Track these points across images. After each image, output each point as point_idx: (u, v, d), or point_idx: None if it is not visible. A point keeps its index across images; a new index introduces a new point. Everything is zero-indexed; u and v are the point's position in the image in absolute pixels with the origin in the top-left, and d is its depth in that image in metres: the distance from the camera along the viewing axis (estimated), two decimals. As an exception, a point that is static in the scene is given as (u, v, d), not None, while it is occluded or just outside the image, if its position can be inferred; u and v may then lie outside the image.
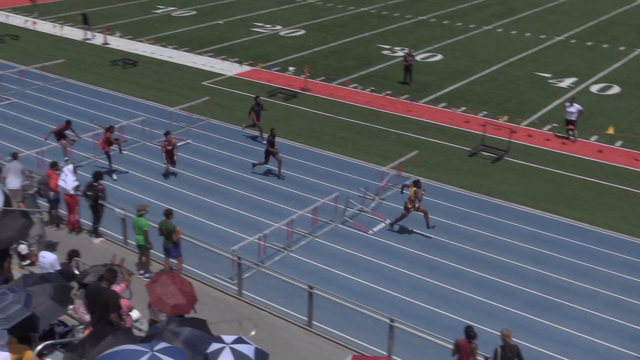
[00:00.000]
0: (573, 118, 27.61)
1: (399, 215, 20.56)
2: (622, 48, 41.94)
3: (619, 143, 27.87)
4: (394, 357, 15.00)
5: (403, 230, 20.84)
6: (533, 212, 22.24)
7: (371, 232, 20.69)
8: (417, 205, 20.28)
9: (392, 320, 14.85)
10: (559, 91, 33.84)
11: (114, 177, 23.54)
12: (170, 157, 23.36)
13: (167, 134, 23.39)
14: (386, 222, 21.18)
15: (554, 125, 29.44)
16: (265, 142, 24.64)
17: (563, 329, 16.71)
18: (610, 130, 28.22)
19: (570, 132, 27.93)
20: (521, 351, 13.23)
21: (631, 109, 31.77)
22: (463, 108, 31.09)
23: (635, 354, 15.87)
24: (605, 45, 42.52)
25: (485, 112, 30.00)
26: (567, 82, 35.28)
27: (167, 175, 23.72)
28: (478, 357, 13.45)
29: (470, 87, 34.29)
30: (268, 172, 24.44)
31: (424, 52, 40.18)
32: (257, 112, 26.41)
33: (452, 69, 37.10)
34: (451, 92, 33.49)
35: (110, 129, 23.46)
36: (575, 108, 27.46)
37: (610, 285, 18.44)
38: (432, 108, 31.25)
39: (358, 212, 21.58)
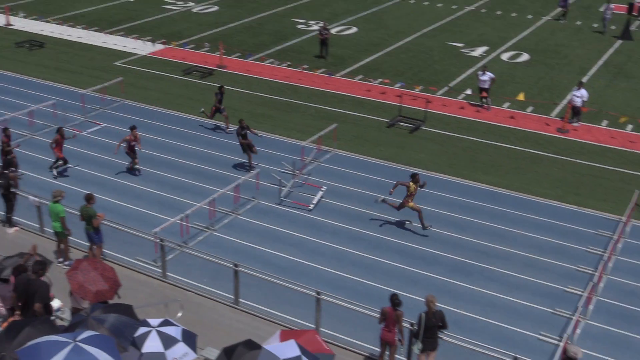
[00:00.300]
0: (486, 86, 28.27)
1: (398, 205, 19.80)
2: (529, 16, 43.13)
3: (529, 109, 28.73)
4: (321, 329, 15.15)
5: (326, 204, 20.96)
6: (451, 180, 22.74)
7: (311, 206, 20.70)
8: (411, 203, 19.51)
9: (318, 293, 14.97)
10: (472, 60, 34.57)
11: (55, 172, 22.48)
12: (133, 152, 22.36)
13: (132, 128, 22.23)
14: (322, 189, 21.21)
15: (468, 93, 30.10)
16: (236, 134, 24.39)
17: (484, 291, 17.22)
18: (521, 97, 29.05)
19: (484, 100, 28.61)
20: (445, 316, 13.57)
21: (540, 75, 32.77)
22: (379, 80, 31.39)
23: (551, 310, 16.54)
24: (513, 14, 43.62)
25: (401, 83, 30.36)
26: (478, 51, 36.06)
27: (131, 171, 22.64)
28: (404, 324, 13.73)
29: (385, 58, 34.61)
30: (188, 153, 24.10)
31: (339, 26, 40.26)
32: (220, 101, 25.39)
33: (367, 41, 37.33)
34: (367, 64, 33.72)
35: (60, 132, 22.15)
36: (487, 76, 28.11)
37: (527, 247, 19.10)
38: (349, 81, 31.41)
39: (290, 190, 21.49)
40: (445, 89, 30.47)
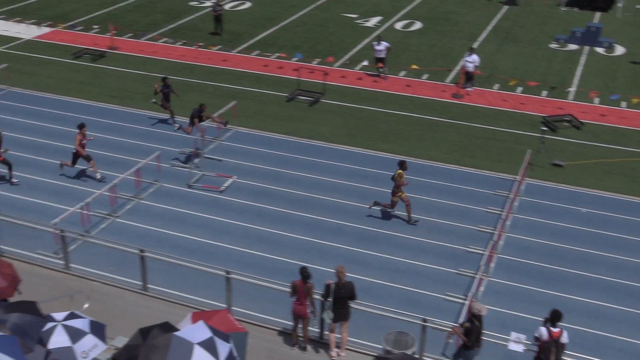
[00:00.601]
0: (382, 55, 28.64)
1: (388, 203, 19.08)
2: (420, -15, 43.83)
3: (425, 76, 29.35)
4: (233, 308, 15.12)
5: (231, 183, 20.80)
6: (353, 150, 23.02)
7: (223, 187, 20.45)
8: (402, 194, 18.77)
9: (228, 273, 14.91)
10: (367, 30, 34.92)
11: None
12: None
13: (81, 126, 20.64)
14: (234, 178, 20.98)
15: (364, 64, 30.42)
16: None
17: (391, 258, 17.61)
18: (414, 67, 29.63)
19: (381, 70, 29.00)
20: (355, 287, 13.76)
21: (433, 42, 33.48)
22: (276, 54, 31.26)
23: (455, 271, 17.11)
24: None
25: (298, 57, 30.34)
26: (373, 22, 36.45)
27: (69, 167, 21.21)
28: (315, 296, 13.88)
29: (281, 33, 34.48)
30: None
31: (232, 1, 39.74)
32: (167, 95, 24.32)
33: (261, 16, 37.04)
34: (263, 39, 33.50)
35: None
36: (383, 46, 28.47)
37: (429, 211, 19.62)
38: (246, 57, 31.14)
39: (199, 172, 21.12)
40: (343, 59, 30.70)
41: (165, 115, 24.81)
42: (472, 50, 27.87)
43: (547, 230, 18.89)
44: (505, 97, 27.54)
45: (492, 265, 17.21)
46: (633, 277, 17.09)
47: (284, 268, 16.83)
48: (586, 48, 33.29)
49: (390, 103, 26.81)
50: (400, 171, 18.58)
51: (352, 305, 13.89)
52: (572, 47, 33.51)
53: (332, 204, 19.88)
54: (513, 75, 29.08)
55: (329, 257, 17.45)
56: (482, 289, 16.34)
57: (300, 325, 14.26)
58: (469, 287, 16.37)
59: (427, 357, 13.88)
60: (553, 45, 33.71)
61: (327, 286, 13.63)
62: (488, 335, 13.12)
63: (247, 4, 39.22)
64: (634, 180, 21.69)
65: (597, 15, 38.86)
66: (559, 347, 12.39)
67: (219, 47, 32.24)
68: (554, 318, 12.45)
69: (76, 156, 20.61)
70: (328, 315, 13.77)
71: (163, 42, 32.73)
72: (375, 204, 19.24)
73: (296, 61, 30.02)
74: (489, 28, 35.97)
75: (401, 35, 34.34)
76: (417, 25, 36.13)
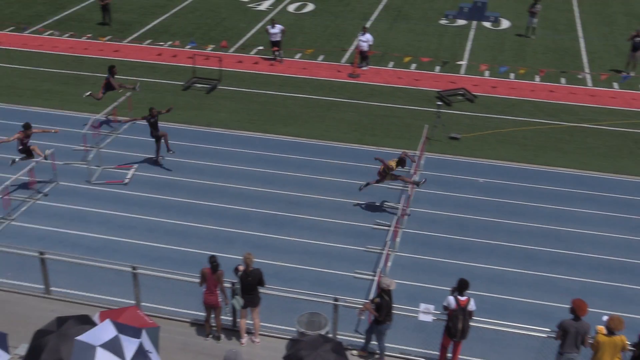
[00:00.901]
0: (277, 39, 28.54)
1: (373, 180, 18.97)
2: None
3: (321, 58, 29.49)
4: (143, 303, 14.80)
5: (132, 176, 20.29)
6: (254, 135, 22.90)
7: (126, 180, 19.88)
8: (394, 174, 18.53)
9: (134, 268, 14.56)
10: (259, 14, 34.70)
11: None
12: (28, 152, 19.44)
13: (26, 127, 19.25)
14: (134, 167, 20.40)
15: (260, 48, 30.25)
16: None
17: (299, 240, 17.69)
18: (309, 51, 29.71)
19: (276, 53, 28.91)
20: (263, 274, 13.70)
21: (326, 24, 33.65)
22: (169, 42, 30.64)
23: (363, 248, 17.37)
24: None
25: (192, 44, 29.82)
26: (265, 5, 36.25)
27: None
28: (225, 284, 13.77)
29: (173, 20, 33.79)
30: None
31: (119, -11, 38.57)
32: (109, 84, 23.25)
33: (151, 3, 36.16)
34: (154, 27, 32.74)
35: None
36: (277, 29, 28.37)
37: (334, 191, 19.80)
38: (138, 46, 30.36)
39: (98, 168, 20.44)
40: (238, 45, 30.41)
41: (54, 112, 23.87)
42: (365, 30, 28.18)
43: (449, 201, 19.44)
44: (400, 75, 28.04)
45: (398, 240, 17.56)
46: (530, 241, 17.85)
47: (193, 259, 16.60)
48: (474, 23, 34.31)
49: (288, 86, 26.80)
50: (392, 163, 18.38)
51: (264, 290, 13.86)
52: (461, 22, 34.45)
53: (237, 190, 19.75)
54: (406, 53, 29.63)
55: (238, 244, 17.34)
56: (389, 264, 16.66)
57: (212, 315, 14.14)
58: (377, 263, 16.66)
59: (341, 335, 14.05)
60: (443, 21, 34.55)
61: (237, 271, 13.55)
62: (398, 309, 13.39)
63: (135, -8, 38.18)
64: (525, 148, 22.59)
65: (482, -10, 40.03)
66: (467, 315, 12.80)
67: (109, 37, 31.28)
68: (461, 287, 12.84)
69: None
70: (238, 302, 13.71)
71: (49, 35, 31.44)
72: (367, 184, 18.98)
73: (190, 48, 29.51)
74: (380, 7, 36.48)
75: (294, 18, 34.33)
76: (310, 7, 36.21)
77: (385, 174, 18.59)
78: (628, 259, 17.30)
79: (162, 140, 20.73)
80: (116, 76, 23.47)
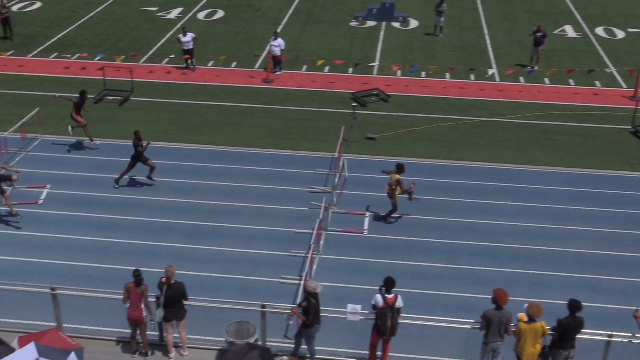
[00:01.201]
0: (190, 47, 28.20)
1: (392, 209, 18.48)
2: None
3: (234, 64, 29.32)
4: (64, 325, 14.32)
5: (46, 195, 19.63)
6: (170, 146, 22.55)
7: (40, 200, 19.14)
8: (401, 189, 18.13)
9: (53, 289, 14.07)
10: (169, 23, 34.22)
11: None
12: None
13: None
14: (47, 187, 19.66)
15: (171, 57, 29.83)
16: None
17: (222, 249, 17.51)
18: (222, 57, 29.52)
19: (189, 62, 28.57)
20: (185, 287, 13.44)
21: (238, 30, 33.49)
22: (77, 55, 29.83)
23: (288, 253, 17.34)
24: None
25: (100, 55, 29.10)
26: (174, 13, 35.78)
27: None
28: (150, 299, 13.49)
29: (79, 32, 32.90)
30: None
31: (19, 2, 37.29)
32: (78, 107, 21.93)
33: (55, 15, 35.10)
34: (60, 40, 31.79)
35: None
36: (189, 37, 28.03)
37: (255, 198, 19.70)
38: (44, 60, 29.43)
39: (7, 187, 19.59)
40: (148, 54, 29.91)
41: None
42: (276, 35, 28.20)
43: (369, 201, 19.64)
44: (314, 78, 28.19)
45: (322, 242, 17.63)
46: (450, 236, 18.24)
47: (115, 275, 16.19)
48: (383, 23, 34.83)
49: (202, 94, 26.53)
50: (397, 176, 18.04)
51: (189, 302, 13.64)
52: (371, 23, 34.92)
53: (156, 202, 19.39)
54: (319, 56, 29.80)
55: (160, 257, 17.02)
56: (315, 267, 16.71)
57: (138, 331, 13.81)
58: (302, 267, 16.67)
59: (270, 341, 13.98)
60: (353, 23, 34.94)
61: (161, 284, 13.29)
62: (326, 311, 13.44)
63: (37, 4, 36.98)
64: (440, 144, 23.09)
65: (390, -9, 40.69)
66: (395, 312, 12.96)
67: (12, 52, 30.18)
68: (387, 285, 12.99)
69: None
70: (159, 314, 13.42)
71: (-53, 52, 30.10)
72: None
73: (99, 60, 28.80)
74: (290, 11, 36.58)
75: (205, 25, 34.02)
76: (220, 13, 35.96)
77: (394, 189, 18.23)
78: (544, 246, 17.91)
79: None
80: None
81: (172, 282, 13.25)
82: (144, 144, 19.90)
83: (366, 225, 18.60)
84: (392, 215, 18.70)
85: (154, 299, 13.54)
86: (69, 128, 21.95)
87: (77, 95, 22.22)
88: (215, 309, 14.04)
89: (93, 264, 16.86)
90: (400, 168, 18.19)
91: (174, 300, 13.33)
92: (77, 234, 17.99)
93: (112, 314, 14.55)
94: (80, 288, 14.54)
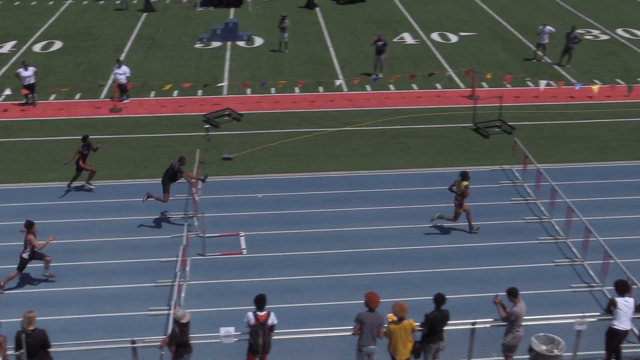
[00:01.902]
0: (32, 82, 26.93)
1: (451, 215, 18.90)
2: (51, 2, 41.91)
3: (77, 96, 28.29)
4: None
5: None
6: (16, 187, 21.38)
7: None
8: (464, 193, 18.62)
9: None
10: (3, 58, 32.51)
11: None
12: None
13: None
14: None
15: (8, 93, 28.31)
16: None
17: (84, 288, 16.74)
18: (65, 89, 28.44)
19: (29, 97, 27.26)
20: (47, 335, 12.71)
21: (78, 60, 32.36)
22: None
23: (154, 284, 16.87)
24: (33, 3, 41.96)
25: None
26: (7, 47, 34.05)
27: None
28: (8, 351, 12.70)
29: None
30: None
31: None
32: (84, 156, 20.50)
33: None
34: None
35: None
36: (31, 71, 26.77)
37: (113, 231, 19.04)
38: None
39: None
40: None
41: None
42: (119, 62, 27.51)
43: (232, 222, 19.51)
44: (163, 103, 27.72)
45: (188, 269, 17.30)
46: (315, 246, 18.44)
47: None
48: (229, 43, 34.86)
49: (46, 130, 25.37)
50: (465, 182, 18.48)
51: (55, 349, 12.95)
52: (216, 44, 34.84)
53: (5, 248, 18.25)
54: (166, 80, 29.34)
55: (16, 305, 16.02)
56: (183, 294, 16.37)
57: (-1, 388, 12.94)
58: (170, 296, 16.28)
59: (145, 377, 13.53)
60: (198, 45, 34.72)
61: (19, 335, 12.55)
62: (200, 337, 13.20)
63: None
64: (297, 158, 23.38)
65: (232, 11, 40.84)
66: (267, 329, 12.92)
67: None
68: (258, 303, 12.95)
69: None
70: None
71: None
72: (439, 217, 18.95)
73: None
74: (132, 37, 35.81)
75: (42, 58, 32.60)
76: (58, 44, 34.59)
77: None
78: (405, 246, 18.52)
79: None
80: None
81: (31, 329, 12.52)
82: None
83: (244, 245, 18.47)
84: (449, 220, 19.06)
85: (12, 352, 12.73)
86: None
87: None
88: (83, 351, 13.41)
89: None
90: (464, 176, 18.63)
91: (34, 349, 12.58)
92: None
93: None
94: None
